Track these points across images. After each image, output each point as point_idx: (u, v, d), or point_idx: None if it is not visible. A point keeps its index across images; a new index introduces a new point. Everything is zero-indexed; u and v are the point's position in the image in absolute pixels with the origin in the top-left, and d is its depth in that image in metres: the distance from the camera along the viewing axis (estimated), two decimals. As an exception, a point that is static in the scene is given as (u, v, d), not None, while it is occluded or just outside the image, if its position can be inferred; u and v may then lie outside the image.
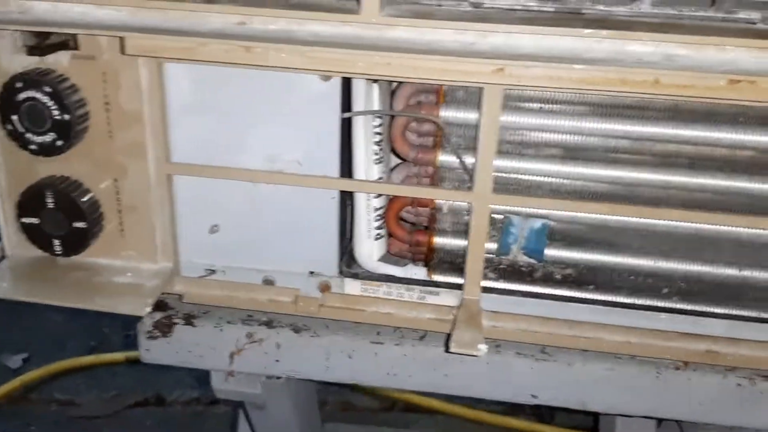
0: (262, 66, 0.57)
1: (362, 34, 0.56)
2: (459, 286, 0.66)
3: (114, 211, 0.67)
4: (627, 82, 0.53)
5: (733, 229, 0.62)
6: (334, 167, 0.64)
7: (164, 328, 0.73)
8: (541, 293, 0.66)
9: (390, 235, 0.70)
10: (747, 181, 0.60)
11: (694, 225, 0.62)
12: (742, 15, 0.56)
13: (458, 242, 0.66)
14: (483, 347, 0.59)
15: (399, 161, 0.69)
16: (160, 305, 0.74)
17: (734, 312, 0.64)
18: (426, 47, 0.56)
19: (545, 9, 0.58)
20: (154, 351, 0.74)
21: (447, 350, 0.62)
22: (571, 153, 0.62)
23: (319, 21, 0.56)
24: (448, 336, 0.63)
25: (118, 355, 1.74)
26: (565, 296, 0.66)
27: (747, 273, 0.63)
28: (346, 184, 0.66)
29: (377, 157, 0.66)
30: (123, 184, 0.66)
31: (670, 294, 0.64)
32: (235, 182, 0.65)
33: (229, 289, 0.70)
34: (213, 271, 0.70)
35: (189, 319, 0.73)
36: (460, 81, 0.57)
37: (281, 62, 0.56)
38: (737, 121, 0.59)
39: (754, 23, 0.56)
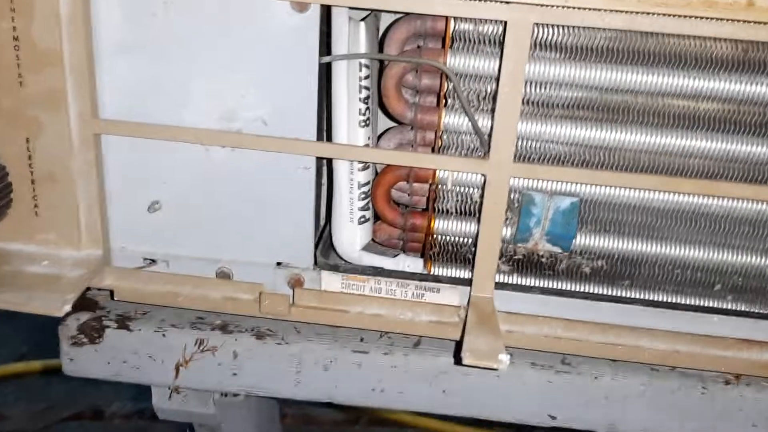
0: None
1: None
2: (465, 282, 0.57)
3: (26, 181, 0.58)
4: (714, 4, 0.41)
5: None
6: (309, 128, 0.54)
7: (92, 333, 0.65)
8: (565, 290, 0.58)
9: (377, 218, 0.60)
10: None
11: (756, 206, 0.54)
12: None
13: (464, 226, 0.57)
14: (505, 358, 0.48)
15: (390, 126, 0.59)
16: (86, 304, 0.67)
17: (804, 314, 0.57)
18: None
19: None
20: (79, 361, 0.65)
21: (458, 362, 0.51)
22: (609, 115, 0.53)
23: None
24: (458, 344, 0.54)
25: (52, 363, 1.62)
26: (595, 294, 0.58)
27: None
28: (326, 149, 0.55)
29: (363, 118, 0.56)
30: (37, 146, 0.57)
31: (724, 292, 0.57)
32: (181, 146, 0.56)
33: (173, 283, 0.61)
34: (153, 261, 0.61)
35: (123, 322, 0.65)
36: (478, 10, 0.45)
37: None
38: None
39: None
